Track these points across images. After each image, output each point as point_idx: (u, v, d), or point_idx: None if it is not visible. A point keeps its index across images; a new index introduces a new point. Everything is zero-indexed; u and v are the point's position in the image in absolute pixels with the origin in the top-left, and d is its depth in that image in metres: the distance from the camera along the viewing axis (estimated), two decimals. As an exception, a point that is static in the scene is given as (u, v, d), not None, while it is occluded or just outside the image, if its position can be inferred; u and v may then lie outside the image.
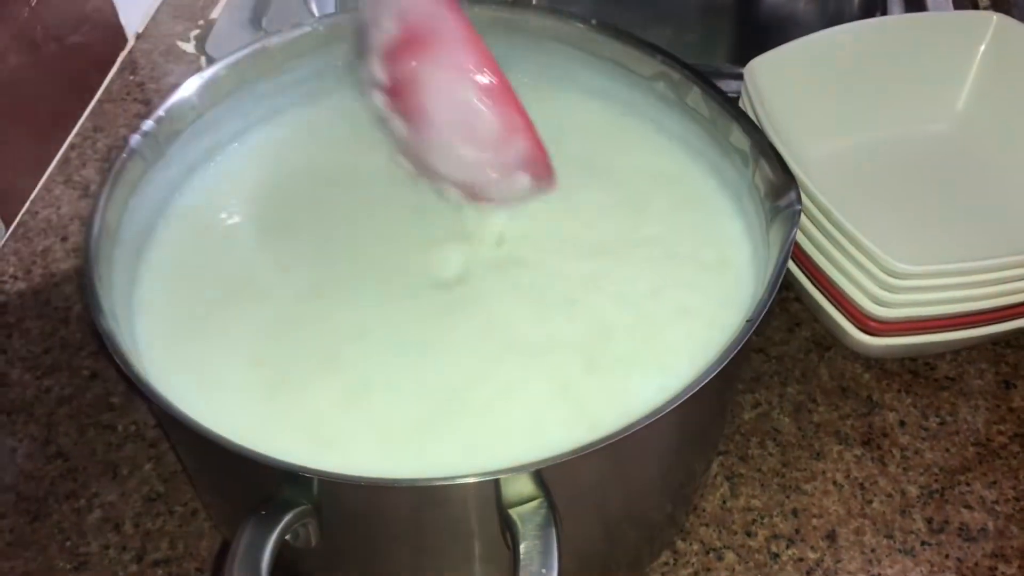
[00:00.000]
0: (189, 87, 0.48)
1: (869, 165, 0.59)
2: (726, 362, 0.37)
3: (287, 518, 0.35)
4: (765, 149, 0.45)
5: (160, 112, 0.47)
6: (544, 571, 0.33)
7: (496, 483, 0.35)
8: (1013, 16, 0.72)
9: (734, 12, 0.99)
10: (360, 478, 0.35)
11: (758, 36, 0.64)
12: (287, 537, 0.36)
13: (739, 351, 0.38)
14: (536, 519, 0.35)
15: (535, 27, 0.52)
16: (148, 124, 0.47)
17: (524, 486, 0.36)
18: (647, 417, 0.36)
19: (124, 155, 0.45)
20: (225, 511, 0.47)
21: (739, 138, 0.47)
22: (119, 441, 0.54)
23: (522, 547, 0.34)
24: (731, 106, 0.47)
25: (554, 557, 0.34)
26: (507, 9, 0.53)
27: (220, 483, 0.43)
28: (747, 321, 0.39)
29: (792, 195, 0.43)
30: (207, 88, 0.49)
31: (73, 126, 0.71)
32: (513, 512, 0.36)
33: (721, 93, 0.48)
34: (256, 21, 0.78)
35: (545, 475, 0.36)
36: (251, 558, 0.34)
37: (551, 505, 0.36)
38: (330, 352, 0.43)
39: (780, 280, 0.40)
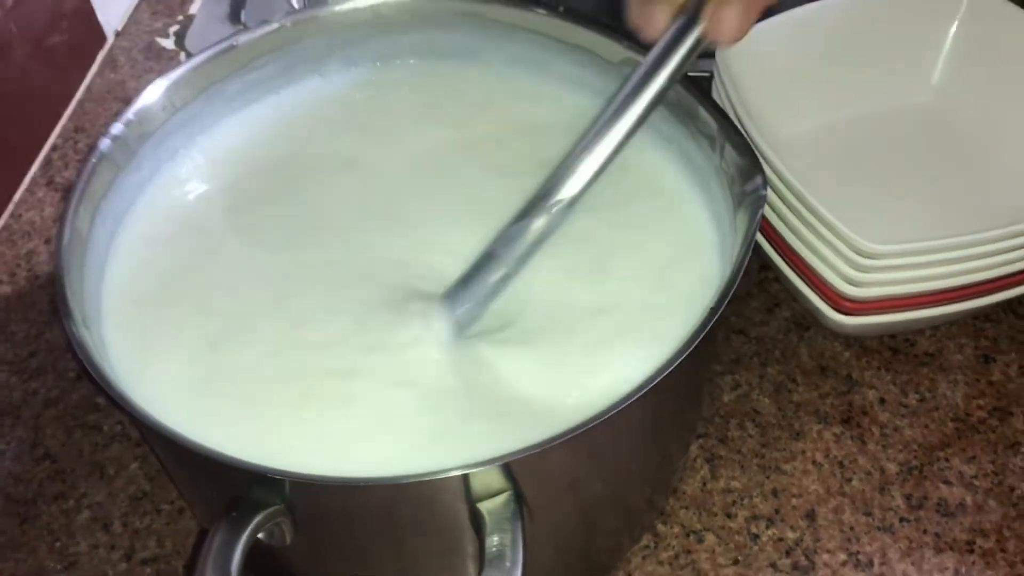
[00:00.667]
0: (156, 90, 0.48)
1: (845, 142, 0.59)
2: (689, 351, 0.37)
3: (258, 518, 0.35)
4: (731, 133, 0.45)
5: (129, 115, 0.48)
6: (509, 565, 0.34)
7: (464, 478, 0.36)
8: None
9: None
10: (328, 478, 0.35)
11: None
12: (261, 536, 0.37)
13: (703, 338, 0.38)
14: (504, 513, 0.36)
15: (505, 17, 0.52)
16: (118, 127, 0.47)
17: (492, 480, 0.36)
18: (610, 408, 0.36)
19: (94, 160, 0.45)
20: (206, 508, 0.47)
21: (706, 122, 0.47)
22: (105, 441, 0.55)
23: (488, 540, 0.35)
24: (697, 90, 0.47)
25: (519, 551, 0.34)
26: (478, 1, 0.53)
27: (196, 482, 0.44)
28: (710, 309, 0.39)
29: (758, 180, 0.43)
30: (175, 89, 0.49)
31: (54, 127, 0.72)
32: (481, 506, 0.36)
33: (687, 77, 0.47)
34: (235, 15, 0.78)
35: (513, 468, 0.36)
36: (222, 559, 0.34)
37: (519, 498, 0.36)
38: (297, 351, 0.43)
39: (743, 266, 0.40)
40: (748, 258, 0.40)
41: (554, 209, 0.42)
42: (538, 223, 0.42)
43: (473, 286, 0.43)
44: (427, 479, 0.35)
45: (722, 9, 0.40)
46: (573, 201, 0.42)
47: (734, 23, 0.40)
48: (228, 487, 0.38)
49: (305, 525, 0.38)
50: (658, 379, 0.37)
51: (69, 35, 0.73)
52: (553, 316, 0.45)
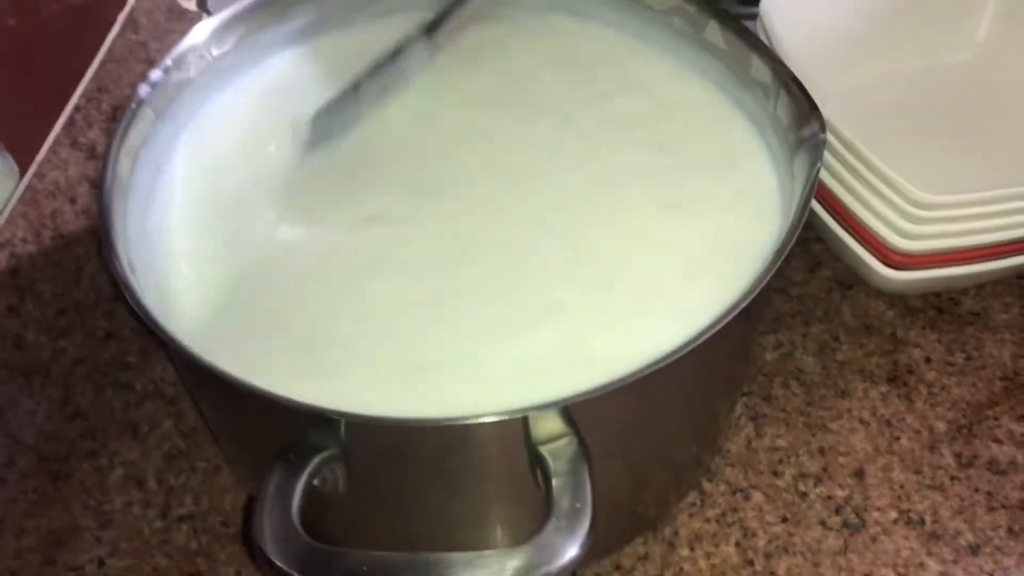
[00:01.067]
0: (194, 37, 0.47)
1: (890, 98, 0.58)
2: (756, 292, 0.36)
3: (315, 460, 0.35)
4: (786, 80, 0.44)
5: (168, 62, 0.47)
6: (578, 505, 0.33)
7: (525, 420, 0.35)
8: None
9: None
10: (387, 419, 0.34)
11: None
12: (315, 483, 0.36)
13: (765, 284, 0.37)
14: (566, 454, 0.35)
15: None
16: (156, 74, 0.46)
17: (553, 423, 0.35)
18: (671, 354, 0.35)
19: (133, 105, 0.45)
20: (249, 465, 0.46)
21: (760, 70, 0.46)
22: (137, 400, 0.54)
23: (554, 483, 0.34)
24: (750, 37, 0.46)
25: (587, 491, 0.34)
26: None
27: (244, 434, 0.43)
28: (775, 252, 0.38)
29: (815, 125, 0.42)
30: (215, 36, 0.48)
31: (76, 88, 0.70)
32: (543, 449, 0.35)
33: (739, 24, 0.47)
34: (258, -24, 0.77)
35: (573, 412, 0.35)
36: (281, 502, 0.33)
37: (581, 441, 0.36)
38: (353, 296, 0.42)
39: (807, 211, 0.39)
40: (811, 200, 0.39)
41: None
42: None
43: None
44: (486, 420, 0.34)
45: None
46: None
47: None
48: (280, 433, 0.37)
49: (360, 470, 0.37)
50: (726, 320, 0.36)
51: (90, -4, 0.72)
52: (620, 255, 0.44)
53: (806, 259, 0.59)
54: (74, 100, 0.70)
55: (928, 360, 0.54)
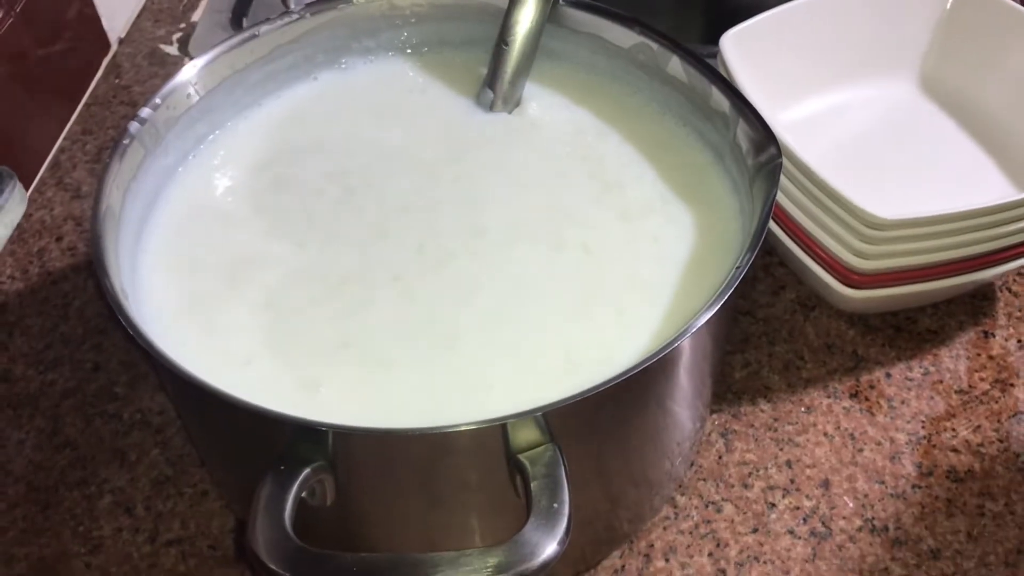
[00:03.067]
0: (183, 76, 0.49)
1: (842, 127, 0.61)
2: (721, 303, 0.39)
3: (305, 472, 0.36)
4: (743, 108, 0.47)
5: (156, 99, 0.49)
6: (556, 505, 0.35)
7: (504, 428, 0.37)
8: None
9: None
10: (372, 429, 0.36)
11: (731, 19, 0.67)
12: (304, 495, 0.37)
13: (727, 299, 0.39)
14: (544, 459, 0.37)
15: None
16: (146, 111, 0.48)
17: (531, 431, 0.37)
18: (644, 362, 0.37)
19: (125, 140, 0.46)
20: (237, 487, 0.48)
21: (719, 101, 0.48)
22: (125, 429, 0.55)
23: (533, 485, 0.36)
24: (709, 70, 0.49)
25: (564, 491, 0.35)
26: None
27: (233, 454, 0.44)
28: (736, 267, 0.40)
29: (773, 149, 0.45)
30: (199, 76, 0.50)
31: (62, 130, 0.72)
32: (523, 456, 0.37)
33: (699, 59, 0.49)
34: (236, 21, 0.80)
35: (551, 420, 0.37)
36: (273, 511, 0.35)
37: (558, 447, 0.37)
38: (334, 320, 0.44)
39: (764, 232, 0.41)
40: (769, 220, 0.42)
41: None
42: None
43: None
44: (466, 428, 0.36)
45: None
46: None
47: None
48: (269, 448, 0.38)
49: (347, 482, 0.38)
50: (685, 337, 0.38)
51: (75, 43, 0.74)
52: (582, 273, 0.46)
53: (771, 283, 0.61)
54: (59, 142, 0.72)
55: (888, 376, 0.56)
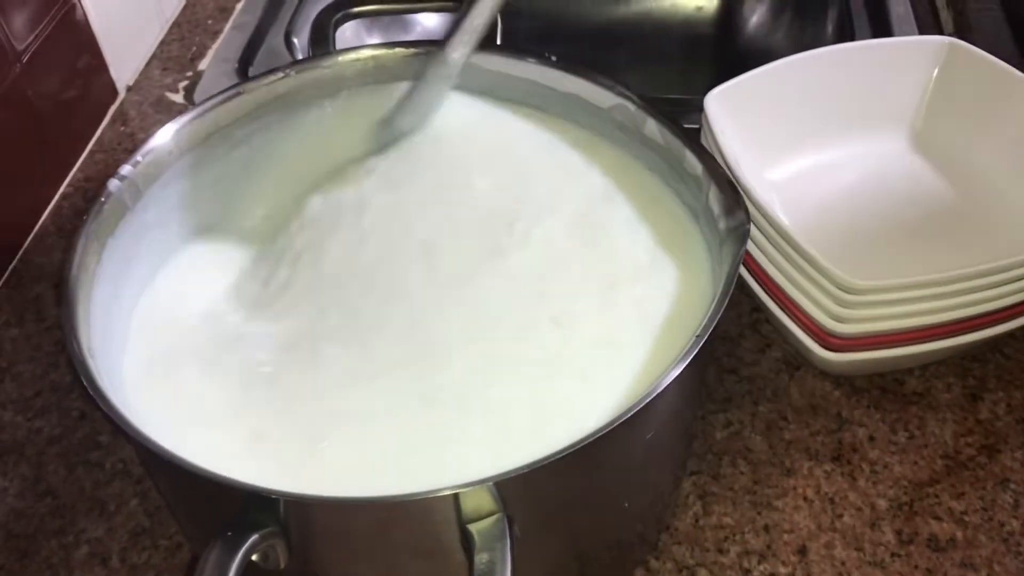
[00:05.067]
0: (164, 134, 0.50)
1: (827, 186, 0.61)
2: (673, 377, 0.38)
3: (253, 538, 0.36)
4: (716, 173, 0.47)
5: (137, 157, 0.49)
6: (496, 581, 0.35)
7: (455, 498, 0.37)
8: (974, 38, 0.74)
9: (713, 46, 1.02)
10: (321, 497, 0.36)
11: (737, 68, 0.67)
12: (255, 558, 0.37)
13: (688, 364, 0.39)
14: (493, 532, 0.37)
15: (498, 67, 0.54)
16: (126, 168, 0.49)
17: (482, 501, 0.37)
18: (600, 430, 0.37)
19: (103, 198, 0.47)
20: (205, 542, 0.48)
21: (692, 164, 0.48)
22: (107, 478, 0.56)
23: (476, 559, 0.35)
24: (683, 134, 0.49)
25: (506, 566, 0.35)
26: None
27: (195, 511, 0.44)
28: (695, 336, 0.40)
29: (741, 215, 0.44)
30: (182, 133, 0.51)
31: (65, 177, 0.74)
32: (472, 527, 0.37)
33: (674, 122, 0.49)
34: (243, 71, 0.81)
35: (502, 489, 0.37)
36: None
37: (508, 519, 0.37)
38: (304, 388, 0.44)
39: (728, 295, 0.41)
40: (731, 289, 0.41)
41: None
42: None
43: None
44: (418, 498, 0.36)
45: None
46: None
47: None
48: (224, 509, 0.38)
49: (299, 547, 0.38)
50: (640, 405, 0.38)
51: (83, 90, 0.76)
52: (558, 341, 0.46)
53: (757, 340, 0.61)
54: (62, 188, 0.74)
55: (872, 439, 0.56)
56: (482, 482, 0.36)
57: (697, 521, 0.53)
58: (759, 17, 1.01)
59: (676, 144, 0.49)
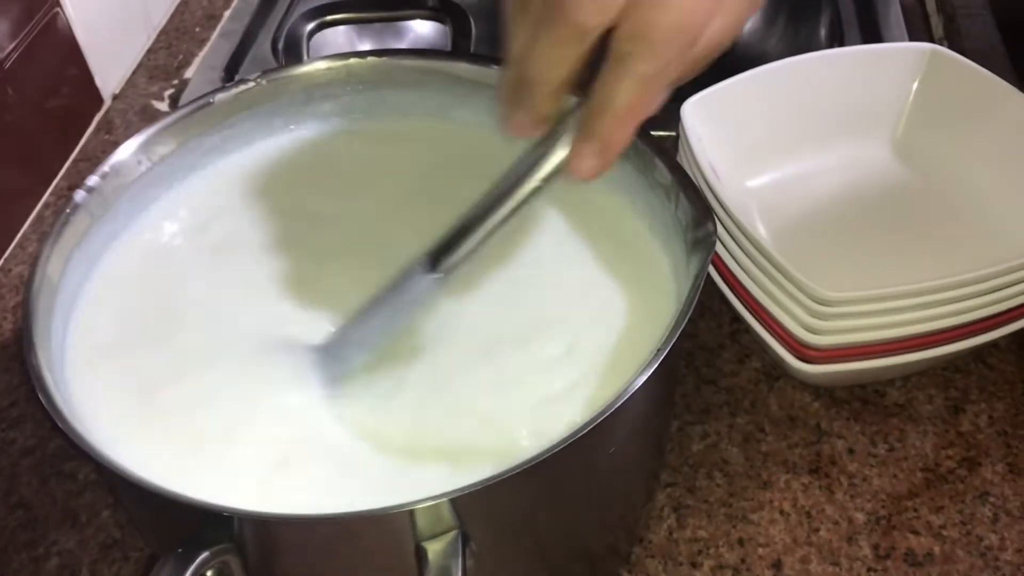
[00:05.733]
0: (131, 144, 0.50)
1: (808, 194, 0.60)
2: (632, 391, 0.38)
3: (203, 555, 0.36)
4: (685, 183, 0.46)
5: (105, 168, 0.49)
6: (445, 602, 0.34)
7: (411, 515, 0.36)
8: (964, 46, 0.73)
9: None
10: (272, 515, 0.36)
11: (728, 75, 0.67)
12: (209, 575, 0.37)
13: (650, 378, 0.39)
14: (447, 551, 0.36)
15: (470, 75, 0.54)
16: (93, 179, 0.49)
17: (439, 518, 0.37)
18: (556, 445, 0.37)
19: (68, 210, 0.47)
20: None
21: (662, 174, 0.48)
22: (79, 489, 0.55)
23: (427, 576, 0.35)
24: (654, 144, 0.48)
25: (455, 587, 0.35)
26: (443, 58, 0.55)
27: (154, 525, 0.44)
28: (656, 350, 0.39)
29: (709, 226, 0.44)
30: (150, 144, 0.51)
31: (48, 185, 0.74)
32: (426, 545, 0.37)
33: (644, 132, 0.49)
34: (229, 78, 0.81)
35: (458, 506, 0.37)
36: (166, 594, 0.35)
37: (464, 538, 0.37)
38: (255, 402, 0.44)
39: (691, 308, 0.41)
40: (695, 301, 0.41)
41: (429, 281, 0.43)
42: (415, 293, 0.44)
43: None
44: (373, 515, 0.36)
45: (581, 143, 0.39)
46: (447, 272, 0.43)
47: (589, 162, 0.39)
48: (179, 525, 0.38)
49: (254, 564, 0.38)
50: (600, 419, 0.37)
51: (68, 99, 0.76)
52: (523, 353, 0.45)
53: (736, 351, 0.60)
54: (45, 197, 0.73)
55: (851, 451, 0.55)
56: (438, 498, 0.36)
57: (671, 534, 0.52)
58: (752, 23, 1.00)
59: (647, 153, 0.48)
